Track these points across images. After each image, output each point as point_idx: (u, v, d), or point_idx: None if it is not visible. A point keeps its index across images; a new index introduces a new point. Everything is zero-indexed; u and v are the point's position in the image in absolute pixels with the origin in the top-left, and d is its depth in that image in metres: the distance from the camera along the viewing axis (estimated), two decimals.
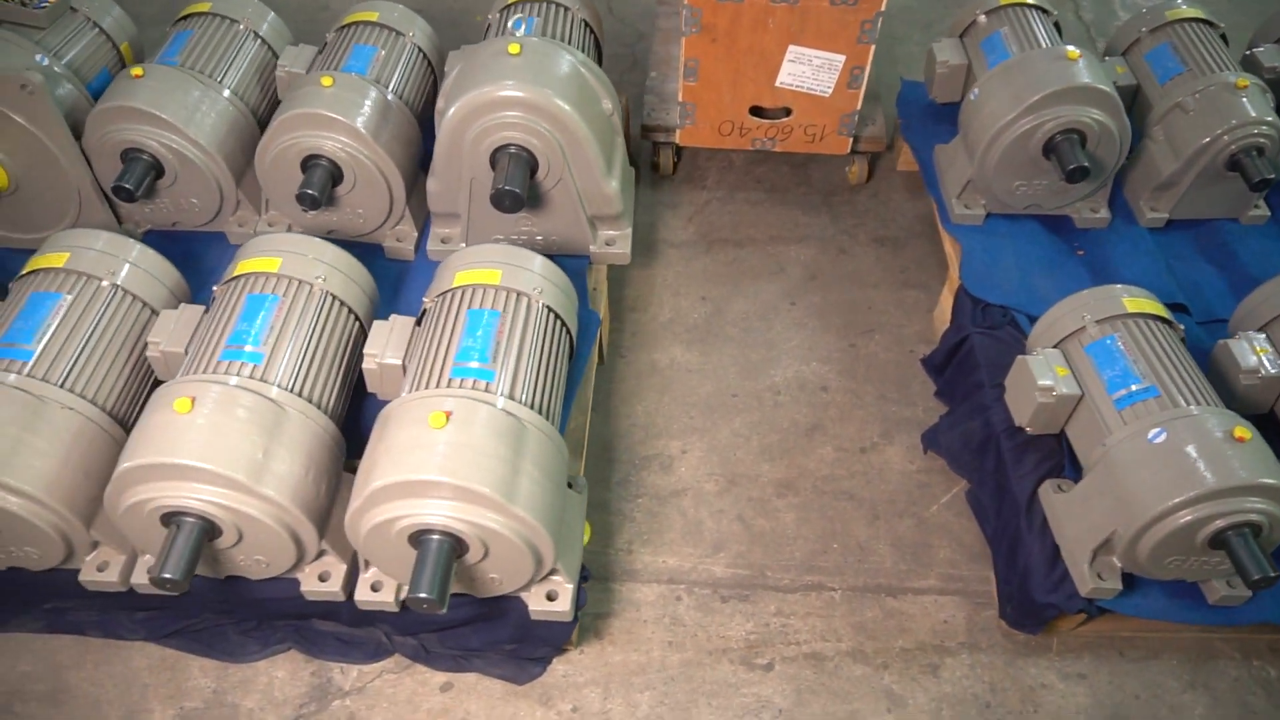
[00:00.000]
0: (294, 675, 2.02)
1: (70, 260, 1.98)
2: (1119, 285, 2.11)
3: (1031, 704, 2.01)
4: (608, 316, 2.53)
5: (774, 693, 2.02)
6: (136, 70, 2.31)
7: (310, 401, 1.83)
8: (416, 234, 2.47)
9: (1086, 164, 2.28)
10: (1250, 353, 2.01)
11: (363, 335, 2.07)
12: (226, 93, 2.45)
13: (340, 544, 1.84)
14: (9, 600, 2.00)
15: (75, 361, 1.86)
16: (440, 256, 2.41)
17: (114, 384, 1.91)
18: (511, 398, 1.78)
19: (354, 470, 1.92)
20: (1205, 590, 1.94)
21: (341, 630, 1.99)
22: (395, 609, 1.86)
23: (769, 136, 2.85)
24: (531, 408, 1.80)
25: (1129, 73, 2.70)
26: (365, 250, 2.35)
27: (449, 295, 1.98)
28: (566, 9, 2.70)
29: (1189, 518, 1.73)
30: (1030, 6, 2.70)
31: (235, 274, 1.99)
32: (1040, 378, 1.97)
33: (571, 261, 2.35)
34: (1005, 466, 2.10)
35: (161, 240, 2.45)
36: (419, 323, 2.02)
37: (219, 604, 1.96)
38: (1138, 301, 2.07)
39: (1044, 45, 2.55)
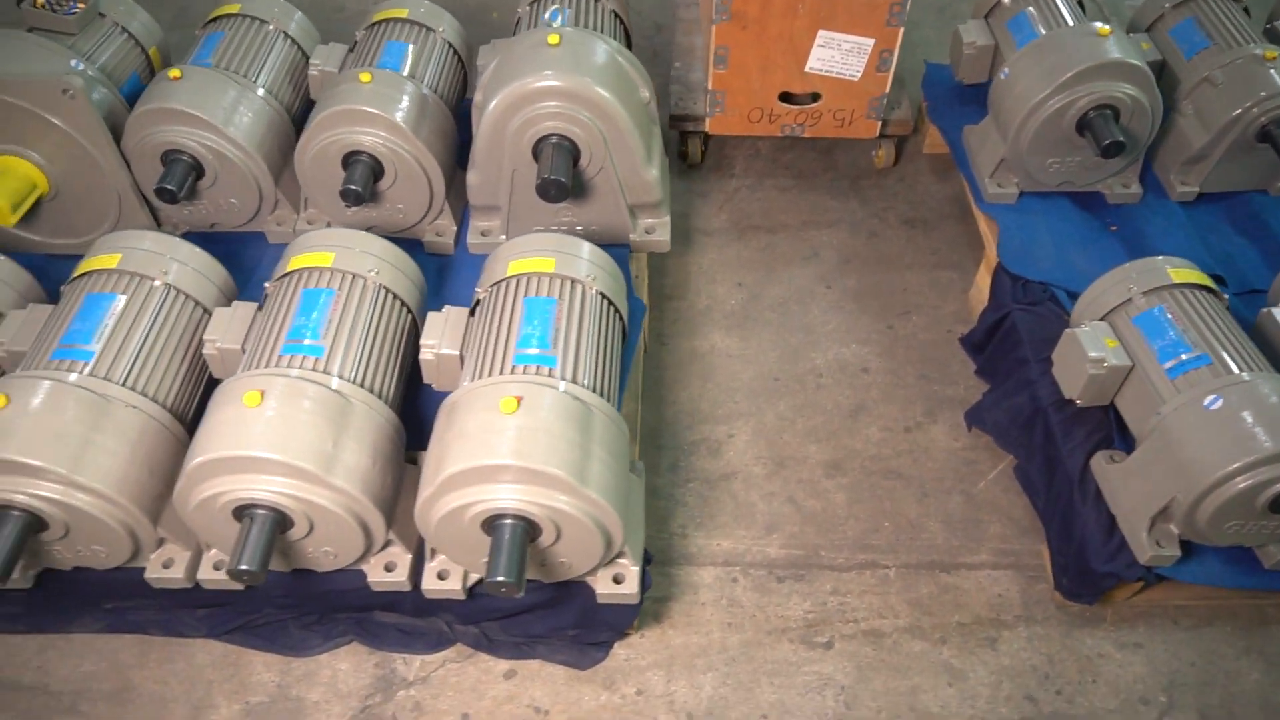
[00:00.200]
0: (357, 667, 2.03)
1: (122, 261, 1.99)
2: (1160, 257, 2.13)
3: (1090, 674, 2.02)
4: (648, 305, 2.53)
5: (835, 670, 2.03)
6: (174, 72, 2.32)
7: (371, 392, 1.84)
8: (455, 227, 2.48)
9: (1121, 139, 2.30)
10: None
11: (414, 326, 2.08)
12: (261, 92, 2.45)
13: (405, 534, 1.85)
14: (70, 602, 2.00)
15: (135, 360, 1.86)
16: (480, 249, 2.42)
17: (172, 382, 1.92)
18: (574, 382, 1.79)
19: (412, 461, 1.94)
20: (1261, 555, 1.95)
21: (403, 621, 2.00)
22: (463, 597, 1.86)
23: (798, 122, 2.86)
24: (593, 391, 1.81)
25: (1154, 49, 2.72)
26: (404, 245, 2.33)
27: (504, 284, 1.98)
28: (596, 0, 2.71)
29: (1249, 482, 1.74)
30: None
31: (288, 269, 1.99)
32: (1091, 350, 1.99)
33: (612, 251, 2.35)
34: (1055, 440, 2.12)
35: (200, 241, 2.42)
36: (472, 313, 2.03)
37: (281, 598, 1.97)
38: (1181, 272, 2.08)
39: (1070, 23, 2.57)
